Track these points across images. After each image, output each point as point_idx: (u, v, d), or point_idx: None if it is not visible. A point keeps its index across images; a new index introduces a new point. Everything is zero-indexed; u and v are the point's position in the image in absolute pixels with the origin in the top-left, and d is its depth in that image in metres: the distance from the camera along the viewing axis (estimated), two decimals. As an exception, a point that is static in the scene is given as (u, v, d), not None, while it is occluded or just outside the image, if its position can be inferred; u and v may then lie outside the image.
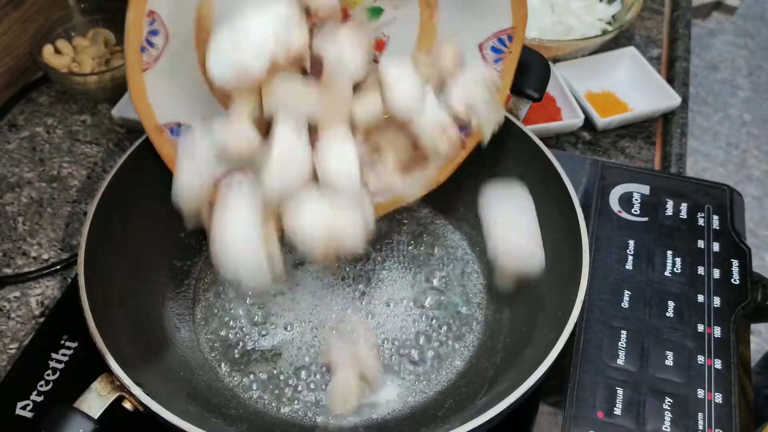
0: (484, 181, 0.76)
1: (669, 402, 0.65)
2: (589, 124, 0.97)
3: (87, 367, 0.55)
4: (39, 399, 0.65)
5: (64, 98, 1.03)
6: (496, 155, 0.74)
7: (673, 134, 0.96)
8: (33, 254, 0.83)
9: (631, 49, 1.04)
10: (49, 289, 0.80)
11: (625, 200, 0.81)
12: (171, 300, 0.71)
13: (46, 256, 0.83)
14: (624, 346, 0.68)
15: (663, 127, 0.99)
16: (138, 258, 0.70)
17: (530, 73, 0.74)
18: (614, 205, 0.80)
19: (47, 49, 0.99)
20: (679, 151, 0.94)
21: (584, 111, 0.96)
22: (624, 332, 0.69)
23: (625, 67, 1.04)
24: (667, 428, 0.63)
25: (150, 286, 0.70)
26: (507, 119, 0.71)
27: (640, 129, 0.98)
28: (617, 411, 0.64)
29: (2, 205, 0.89)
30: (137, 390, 0.53)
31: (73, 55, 1.00)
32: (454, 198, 0.78)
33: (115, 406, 0.53)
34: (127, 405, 0.54)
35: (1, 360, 0.73)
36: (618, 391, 0.65)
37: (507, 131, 0.72)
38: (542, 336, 0.62)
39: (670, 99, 0.98)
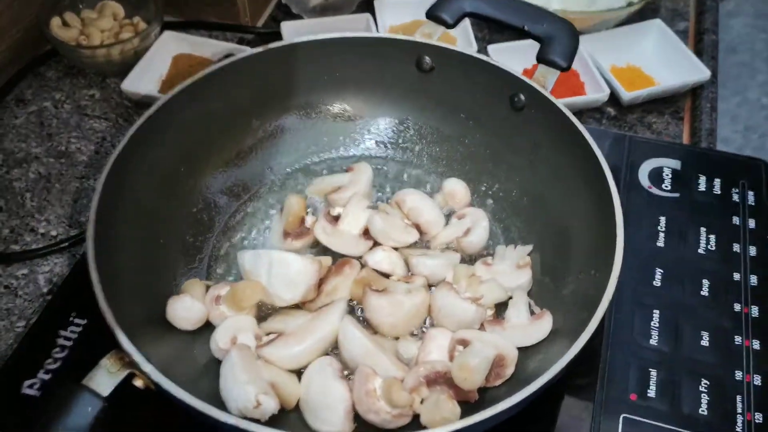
0: (513, 153, 0.74)
1: (705, 384, 0.62)
2: (614, 99, 0.93)
3: (97, 345, 0.52)
4: (46, 377, 0.63)
5: (73, 72, 1.00)
6: (524, 127, 0.71)
7: (703, 109, 0.93)
8: (41, 231, 0.81)
9: (658, 21, 1.00)
10: (57, 266, 0.77)
11: (656, 175, 0.77)
12: (183, 276, 0.68)
13: (54, 233, 0.81)
14: (657, 325, 0.65)
15: (692, 102, 0.95)
16: (149, 233, 0.67)
17: (558, 41, 0.71)
18: (644, 180, 0.77)
19: (55, 22, 0.96)
20: (709, 126, 0.90)
21: (609, 85, 0.92)
22: (656, 311, 0.66)
23: (651, 41, 1.00)
24: (704, 411, 0.60)
25: (161, 262, 0.67)
26: (535, 90, 0.68)
27: (667, 104, 0.94)
28: (651, 393, 0.61)
29: (10, 180, 0.86)
30: (149, 367, 0.50)
31: (82, 28, 0.97)
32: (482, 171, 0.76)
33: (126, 384, 0.51)
34: (138, 383, 0.51)
35: (7, 338, 0.71)
36: (651, 373, 0.62)
37: (534, 102, 0.69)
38: (572, 316, 0.59)
39: (700, 72, 0.94)
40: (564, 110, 0.66)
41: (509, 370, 0.58)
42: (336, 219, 0.70)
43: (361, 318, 0.64)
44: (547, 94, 0.68)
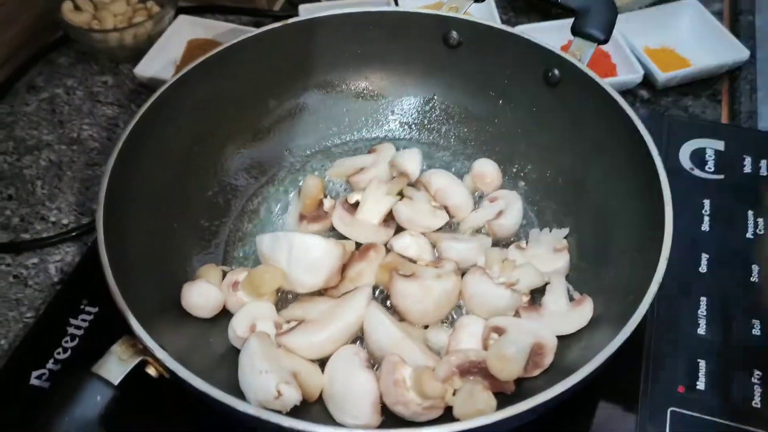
0: (547, 131, 0.70)
1: (758, 375, 0.57)
2: (647, 82, 0.89)
3: (108, 333, 0.49)
4: (55, 367, 0.60)
5: (85, 59, 0.97)
6: (559, 104, 0.67)
7: (742, 90, 0.88)
8: (52, 219, 0.78)
9: (693, 1, 0.95)
10: (68, 255, 0.74)
11: (698, 156, 0.73)
12: (198, 261, 0.64)
13: (65, 221, 0.78)
14: (704, 314, 0.61)
15: (729, 84, 0.91)
16: (162, 217, 0.64)
17: (594, 13, 0.67)
18: (685, 161, 0.73)
19: (66, 6, 0.93)
20: (749, 108, 0.85)
21: (643, 66, 0.88)
22: (704, 299, 0.62)
23: (686, 21, 0.95)
24: (757, 404, 0.55)
25: (175, 246, 0.64)
26: (571, 64, 0.64)
27: (703, 86, 0.90)
28: (701, 385, 0.57)
29: (20, 168, 0.83)
30: (162, 354, 0.46)
31: (94, 12, 0.95)
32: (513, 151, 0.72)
33: (138, 372, 0.47)
34: (151, 371, 0.48)
35: (17, 329, 0.68)
36: (700, 363, 0.58)
37: (570, 77, 0.65)
38: (615, 302, 0.55)
39: (738, 52, 0.89)
40: (603, 84, 0.62)
41: (548, 360, 0.54)
42: (354, 207, 0.66)
43: (387, 307, 0.60)
44: (584, 68, 0.64)
